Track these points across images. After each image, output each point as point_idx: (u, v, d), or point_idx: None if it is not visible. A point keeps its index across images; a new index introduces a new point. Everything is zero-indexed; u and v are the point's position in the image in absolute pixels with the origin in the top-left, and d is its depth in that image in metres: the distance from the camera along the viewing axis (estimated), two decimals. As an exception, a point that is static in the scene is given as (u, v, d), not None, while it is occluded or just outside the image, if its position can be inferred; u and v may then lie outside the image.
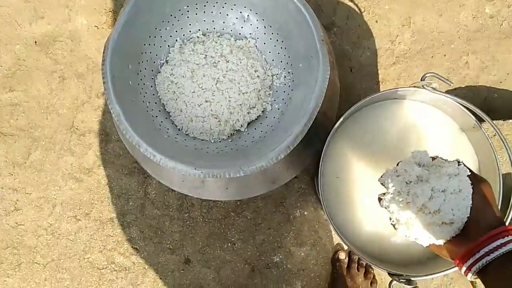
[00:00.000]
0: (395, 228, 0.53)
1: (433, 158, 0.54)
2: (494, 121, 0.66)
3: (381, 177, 0.55)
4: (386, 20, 1.06)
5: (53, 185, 0.97)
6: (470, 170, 0.49)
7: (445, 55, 1.05)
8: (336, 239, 1.00)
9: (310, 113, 0.67)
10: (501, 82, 1.05)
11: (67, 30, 1.02)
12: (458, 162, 0.50)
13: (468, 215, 0.47)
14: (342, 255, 0.97)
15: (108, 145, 0.99)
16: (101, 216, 0.97)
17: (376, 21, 1.06)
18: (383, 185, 0.55)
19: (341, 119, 0.69)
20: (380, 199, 0.54)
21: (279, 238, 0.99)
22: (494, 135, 0.87)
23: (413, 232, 0.50)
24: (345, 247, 1.00)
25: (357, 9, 1.06)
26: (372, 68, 1.05)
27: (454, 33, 1.05)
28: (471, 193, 0.47)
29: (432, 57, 1.05)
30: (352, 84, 1.04)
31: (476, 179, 0.49)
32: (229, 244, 0.99)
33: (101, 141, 0.99)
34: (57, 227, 0.96)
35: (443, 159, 0.53)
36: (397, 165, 0.55)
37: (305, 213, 1.00)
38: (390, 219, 0.54)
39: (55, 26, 1.02)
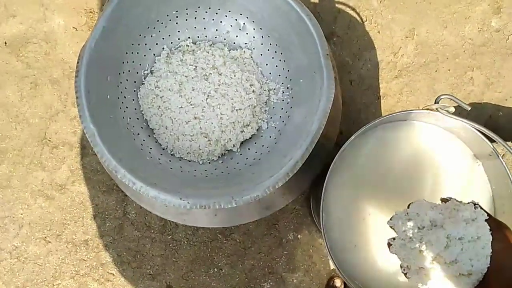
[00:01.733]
0: (406, 277, 0.47)
1: (446, 200, 0.49)
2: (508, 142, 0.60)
3: (391, 219, 0.50)
4: (389, 30, 1.00)
5: (21, 203, 0.88)
6: (488, 214, 0.45)
7: (449, 70, 0.99)
8: (332, 265, 0.93)
9: (312, 136, 0.60)
10: (506, 100, 1.00)
11: (42, 31, 0.93)
12: (474, 204, 0.46)
13: (488, 265, 0.43)
14: (338, 282, 0.90)
15: (84, 159, 0.90)
16: (74, 238, 0.88)
17: (379, 32, 1.00)
18: (392, 229, 0.49)
19: (346, 144, 0.61)
20: (389, 244, 0.49)
21: (270, 263, 0.92)
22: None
23: (427, 283, 0.45)
24: (341, 274, 0.93)
25: (358, 18, 1.00)
26: (373, 82, 0.98)
27: (459, 47, 1.00)
28: (490, 240, 0.43)
29: (436, 71, 0.99)
30: (352, 98, 0.97)
31: (495, 224, 0.44)
32: (215, 270, 0.91)
33: (76, 154, 0.89)
34: (23, 250, 0.87)
35: (457, 201, 0.48)
36: (408, 207, 0.49)
37: (299, 236, 0.93)
38: (401, 266, 0.48)
39: (28, 26, 0.92)
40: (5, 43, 0.91)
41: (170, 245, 0.90)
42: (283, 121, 0.69)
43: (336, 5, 0.99)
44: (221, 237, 0.91)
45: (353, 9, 1.00)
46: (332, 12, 0.99)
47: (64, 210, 0.89)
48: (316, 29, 0.62)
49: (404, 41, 1.00)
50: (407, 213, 0.48)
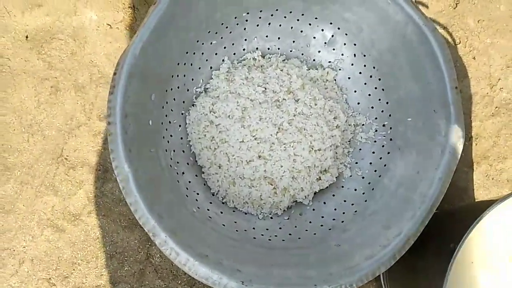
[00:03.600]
0: None
1: None
2: None
3: None
4: (486, 57, 0.81)
5: (24, 234, 0.72)
6: None
7: (560, 112, 0.80)
8: None
9: (431, 202, 0.42)
10: None
11: (70, 26, 0.77)
12: None
13: None
14: None
15: (106, 186, 0.73)
16: (84, 282, 0.72)
17: (474, 58, 0.82)
18: None
19: (490, 210, 0.43)
20: None
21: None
22: None
23: None
24: None
25: (450, 40, 0.82)
26: (464, 119, 0.79)
27: None
28: None
29: (544, 112, 0.80)
30: (437, 137, 0.79)
31: None
32: (253, 337, 0.72)
33: (96, 178, 0.73)
34: (22, 292, 0.70)
35: None
36: None
37: (360, 305, 0.74)
38: None
39: (56, 19, 0.77)
40: (27, 36, 0.76)
41: (200, 301, 0.73)
42: (375, 171, 0.51)
43: (424, 21, 0.82)
44: (263, 298, 0.73)
45: (444, 28, 0.82)
46: (420, 30, 0.81)
47: (76, 246, 0.72)
48: (442, 50, 0.45)
49: (505, 72, 0.81)
50: None
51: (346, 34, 0.52)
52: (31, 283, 0.73)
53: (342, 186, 0.53)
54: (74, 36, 0.77)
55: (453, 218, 0.57)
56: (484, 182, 0.79)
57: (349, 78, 0.55)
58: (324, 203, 0.52)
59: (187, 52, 0.48)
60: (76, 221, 0.73)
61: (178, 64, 0.48)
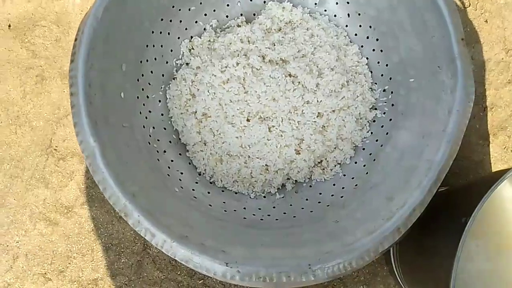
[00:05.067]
0: None
1: None
2: None
3: None
4: (500, 19, 0.75)
5: (17, 228, 0.70)
6: None
7: None
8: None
9: (438, 169, 0.37)
10: None
11: (53, 11, 0.75)
12: None
13: None
14: None
15: (98, 176, 0.71)
16: (80, 276, 0.69)
17: (486, 21, 0.76)
18: None
19: (497, 185, 0.38)
20: None
21: (332, 324, 0.69)
22: None
23: None
24: None
25: (459, 3, 0.76)
26: (477, 87, 0.74)
27: None
28: None
29: None
30: (449, 108, 0.73)
31: None
32: (258, 328, 0.69)
33: (88, 168, 0.70)
34: (17, 289, 0.69)
35: None
36: None
37: (372, 291, 0.70)
38: None
39: (38, 5, 0.75)
40: (9, 26, 0.74)
41: (201, 292, 0.70)
42: (376, 140, 0.46)
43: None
44: (267, 287, 0.69)
45: (452, -9, 0.76)
46: (425, -6, 0.75)
47: (70, 239, 0.70)
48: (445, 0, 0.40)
49: (521, 34, 0.75)
50: None
51: (338, -9, 0.48)
52: (26, 278, 0.71)
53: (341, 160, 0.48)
54: (57, 22, 0.74)
55: (466, 192, 0.52)
56: (502, 154, 0.73)
57: (343, 41, 0.50)
58: (321, 179, 0.47)
59: (162, 19, 0.44)
60: (69, 214, 0.71)
61: (153, 32, 0.44)
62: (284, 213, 0.44)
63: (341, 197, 0.44)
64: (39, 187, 0.72)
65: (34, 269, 0.71)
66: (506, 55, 0.75)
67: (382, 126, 0.46)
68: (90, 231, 0.72)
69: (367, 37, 0.48)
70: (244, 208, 0.45)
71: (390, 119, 0.46)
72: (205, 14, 0.48)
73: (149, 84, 0.45)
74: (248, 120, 0.44)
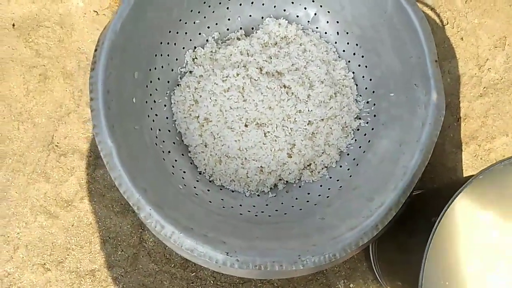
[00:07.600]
0: None
1: None
2: None
3: None
4: (474, 38, 0.82)
5: (18, 220, 0.72)
6: None
7: (548, 91, 0.80)
8: (389, 322, 0.75)
9: (412, 173, 0.42)
10: None
11: (57, 13, 0.77)
12: None
13: None
14: None
15: (97, 172, 0.74)
16: (78, 266, 0.72)
17: (462, 39, 0.82)
18: None
19: (469, 183, 0.43)
20: None
21: (314, 315, 0.74)
22: None
23: None
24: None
25: (438, 21, 0.82)
26: (452, 99, 0.80)
27: (561, 63, 0.81)
28: None
29: (531, 91, 0.80)
30: (426, 117, 0.79)
31: None
32: (246, 318, 0.73)
33: (87, 165, 0.74)
34: (17, 278, 0.71)
35: None
36: None
37: (351, 285, 0.75)
38: None
39: (42, 6, 0.77)
40: (13, 25, 0.76)
41: (193, 284, 0.74)
42: (359, 147, 0.52)
43: (412, 3, 0.82)
44: (255, 280, 0.74)
45: (432, 9, 0.82)
46: (408, 11, 0.81)
47: (69, 231, 0.73)
48: (422, 24, 0.45)
49: (493, 52, 0.82)
50: None
51: (328, 12, 0.53)
52: (26, 268, 0.73)
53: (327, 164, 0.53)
54: (61, 24, 0.77)
55: (437, 195, 0.58)
56: (473, 162, 0.80)
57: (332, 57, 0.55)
58: (309, 181, 0.53)
59: (170, 31, 0.48)
60: (69, 207, 0.74)
61: (161, 43, 0.48)
62: (276, 210, 0.49)
63: (327, 197, 0.49)
64: (40, 182, 0.74)
65: (34, 259, 0.74)
66: (478, 71, 0.81)
67: (365, 134, 0.52)
68: (89, 225, 0.75)
69: (354, 54, 0.54)
70: (240, 205, 0.49)
71: (372, 128, 0.51)
72: (208, 27, 0.53)
73: (156, 90, 0.49)
74: (246, 126, 0.49)
